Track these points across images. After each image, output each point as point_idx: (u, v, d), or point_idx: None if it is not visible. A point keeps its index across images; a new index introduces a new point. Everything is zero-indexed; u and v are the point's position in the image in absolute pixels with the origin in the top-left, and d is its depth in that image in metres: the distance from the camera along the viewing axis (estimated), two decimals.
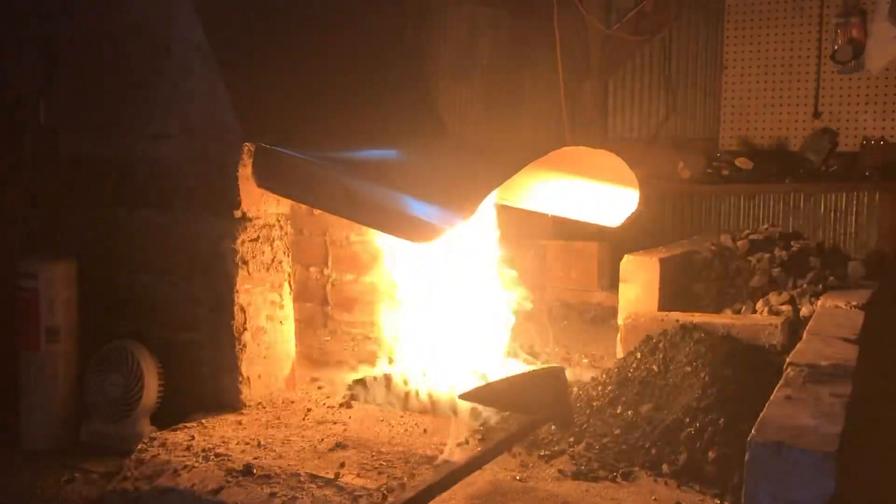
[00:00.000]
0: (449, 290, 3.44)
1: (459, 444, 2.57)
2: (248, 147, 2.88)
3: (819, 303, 3.20)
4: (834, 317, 2.92)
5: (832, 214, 5.44)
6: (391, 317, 3.88)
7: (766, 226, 4.00)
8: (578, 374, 3.41)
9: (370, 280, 4.06)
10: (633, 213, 3.14)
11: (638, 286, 3.49)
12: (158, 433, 2.72)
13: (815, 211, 5.47)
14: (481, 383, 3.04)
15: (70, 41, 3.22)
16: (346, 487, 2.29)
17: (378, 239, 3.89)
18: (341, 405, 2.99)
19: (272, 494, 2.29)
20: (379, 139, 3.18)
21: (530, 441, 2.57)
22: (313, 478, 2.34)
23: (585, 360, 3.72)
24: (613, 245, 4.57)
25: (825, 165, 5.47)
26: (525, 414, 2.37)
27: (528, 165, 2.76)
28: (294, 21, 3.32)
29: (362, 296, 4.10)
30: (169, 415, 2.87)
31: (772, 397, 1.96)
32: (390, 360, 3.52)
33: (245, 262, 2.94)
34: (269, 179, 2.90)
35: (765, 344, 2.99)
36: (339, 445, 2.57)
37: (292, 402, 3.03)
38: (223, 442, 2.61)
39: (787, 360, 2.31)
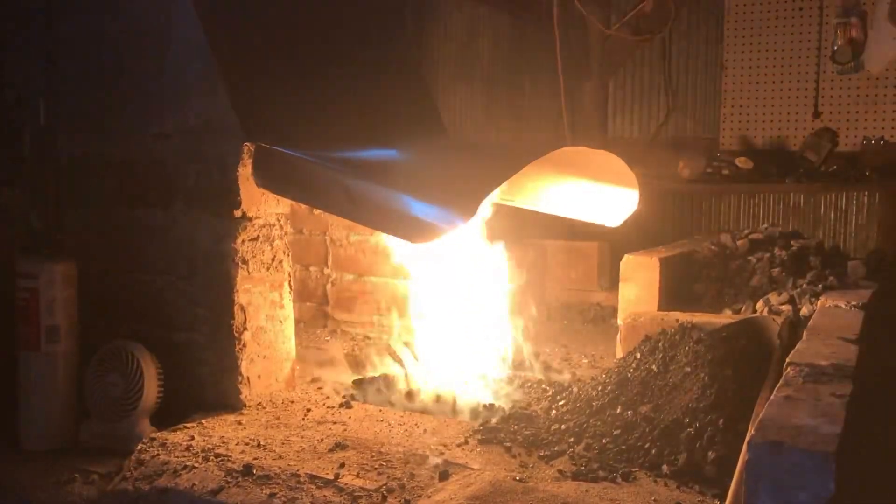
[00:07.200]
0: (448, 290, 3.44)
1: (459, 445, 2.57)
2: (248, 147, 2.88)
3: (819, 303, 3.20)
4: (834, 317, 2.91)
5: (832, 214, 5.44)
6: (391, 317, 3.88)
7: (766, 225, 4.01)
8: (578, 374, 3.41)
9: (370, 280, 4.06)
10: (633, 213, 3.15)
11: (638, 286, 3.49)
12: (158, 433, 2.71)
13: (815, 211, 5.47)
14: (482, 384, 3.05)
15: (70, 41, 3.22)
16: (346, 488, 2.29)
17: (380, 238, 3.89)
18: (341, 405, 2.99)
19: (272, 495, 2.29)
20: (379, 139, 3.18)
21: (530, 441, 2.57)
22: (313, 478, 2.34)
23: (585, 360, 3.71)
24: (613, 245, 4.57)
25: (825, 165, 5.47)
26: None
27: (529, 165, 2.76)
28: (294, 21, 3.32)
29: (362, 296, 4.10)
30: (169, 415, 2.86)
31: (771, 397, 1.96)
32: (390, 360, 3.52)
33: (245, 262, 2.94)
34: (269, 179, 2.90)
35: (765, 344, 2.98)
36: (339, 446, 2.57)
37: (292, 402, 3.03)
38: (223, 442, 2.61)
39: (787, 359, 2.30)
